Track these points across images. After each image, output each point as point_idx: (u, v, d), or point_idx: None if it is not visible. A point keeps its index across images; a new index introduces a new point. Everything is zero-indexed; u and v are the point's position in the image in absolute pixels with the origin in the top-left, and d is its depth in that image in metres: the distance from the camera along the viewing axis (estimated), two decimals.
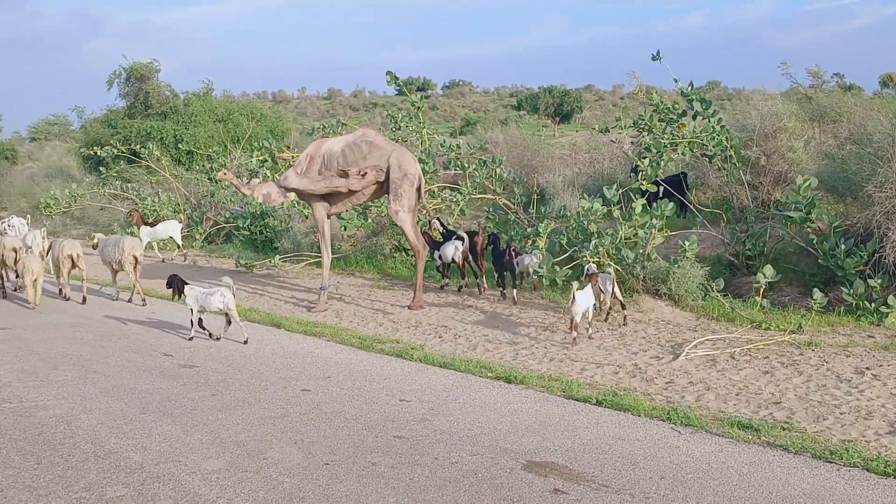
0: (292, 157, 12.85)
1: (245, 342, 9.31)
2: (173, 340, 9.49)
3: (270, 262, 14.79)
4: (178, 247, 17.78)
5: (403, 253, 14.63)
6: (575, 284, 9.07)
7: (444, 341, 9.44)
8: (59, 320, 10.77)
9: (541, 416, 6.49)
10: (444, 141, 16.27)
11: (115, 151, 23.04)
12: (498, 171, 14.47)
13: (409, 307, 11.31)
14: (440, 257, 12.36)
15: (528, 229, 12.48)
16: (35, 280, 11.69)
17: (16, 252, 12.82)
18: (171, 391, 7.32)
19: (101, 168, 26.06)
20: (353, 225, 13.92)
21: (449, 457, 5.56)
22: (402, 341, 9.40)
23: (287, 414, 6.59)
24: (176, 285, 9.67)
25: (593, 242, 10.05)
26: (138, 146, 23.63)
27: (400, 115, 17.19)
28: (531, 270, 11.15)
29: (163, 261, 17.42)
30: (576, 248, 10.70)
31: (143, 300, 12.30)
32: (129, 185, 23.25)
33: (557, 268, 9.99)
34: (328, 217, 11.96)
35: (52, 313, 11.30)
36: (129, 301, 12.42)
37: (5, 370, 8.15)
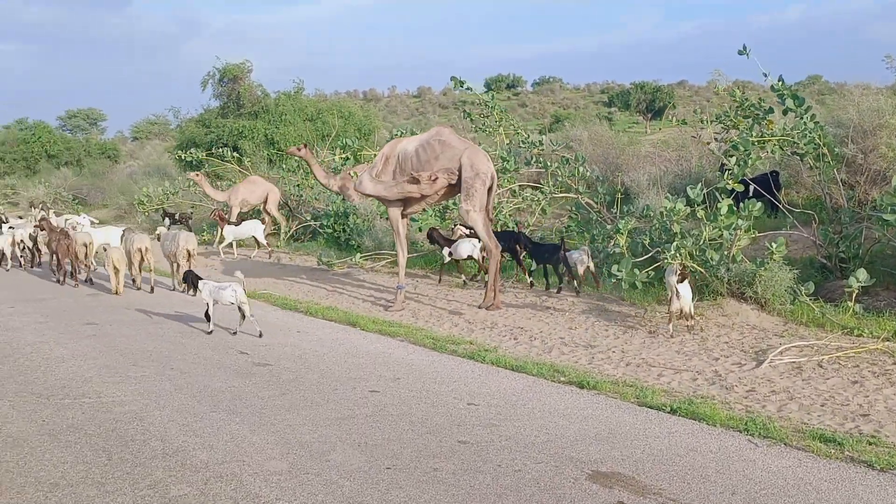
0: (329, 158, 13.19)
1: (259, 335, 9.71)
2: (250, 339, 9.64)
3: (351, 260, 14.92)
4: (259, 245, 18.19)
5: (483, 253, 14.53)
6: (673, 278, 8.96)
7: (519, 343, 9.33)
8: (144, 317, 11.08)
9: (611, 424, 6.32)
10: (527, 137, 16.09)
11: (200, 156, 23.93)
12: (581, 169, 14.24)
13: (479, 307, 11.29)
14: (450, 254, 12.99)
15: (609, 227, 12.24)
16: (116, 270, 12.94)
17: (86, 246, 14.26)
18: (242, 389, 7.42)
19: (186, 170, 26.87)
20: (427, 224, 13.90)
21: (512, 464, 5.46)
22: (476, 343, 9.33)
23: (353, 415, 6.59)
24: (190, 281, 10.43)
25: (675, 243, 9.76)
26: (229, 146, 24.26)
27: (463, 112, 17.15)
28: (580, 267, 11.71)
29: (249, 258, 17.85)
30: (658, 249, 10.43)
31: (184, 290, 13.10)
32: (220, 183, 23.90)
33: (637, 270, 9.74)
34: (403, 216, 12.00)
35: (138, 310, 11.63)
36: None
37: (89, 365, 8.42)
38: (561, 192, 14.72)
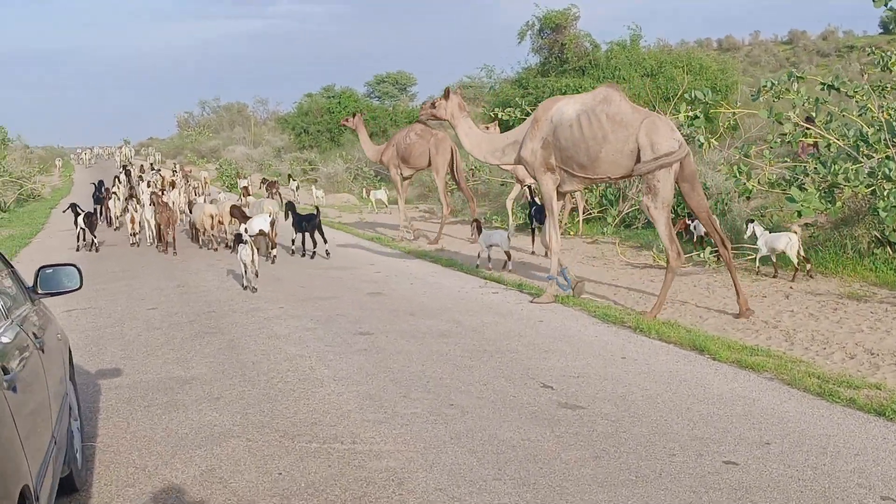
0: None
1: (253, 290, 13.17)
2: (559, 364, 8.52)
3: (698, 255, 13.35)
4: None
5: (888, 248, 12.39)
6: None
7: None
8: (429, 326, 10.39)
9: None
10: None
11: (520, 114, 22.94)
12: None
13: (643, 314, 10.68)
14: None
15: None
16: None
17: (212, 217, 18.37)
18: (540, 445, 6.29)
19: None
20: (811, 210, 11.93)
21: None
22: (886, 387, 7.48)
23: (700, 503, 5.21)
24: (235, 241, 13.98)
25: None
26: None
27: (873, 51, 14.55)
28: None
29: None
30: None
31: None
32: None
33: None
34: (567, 193, 11.95)
35: (423, 316, 11.00)
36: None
37: (350, 393, 7.76)
38: None
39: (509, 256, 14.75)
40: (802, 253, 12.50)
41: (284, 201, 21.03)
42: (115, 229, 24.00)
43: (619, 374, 8.16)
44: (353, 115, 20.27)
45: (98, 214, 26.48)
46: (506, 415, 7.02)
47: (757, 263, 13.09)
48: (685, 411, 6.99)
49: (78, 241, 19.73)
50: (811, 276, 12.51)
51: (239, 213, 16.82)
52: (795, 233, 12.46)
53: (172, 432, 6.91)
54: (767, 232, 12.88)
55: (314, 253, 16.96)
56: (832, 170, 12.11)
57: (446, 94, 12.75)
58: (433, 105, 12.89)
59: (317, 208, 17.44)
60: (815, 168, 12.57)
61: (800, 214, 12.23)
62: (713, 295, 11.93)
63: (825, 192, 12.26)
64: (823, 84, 13.11)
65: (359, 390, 7.83)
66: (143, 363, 9.14)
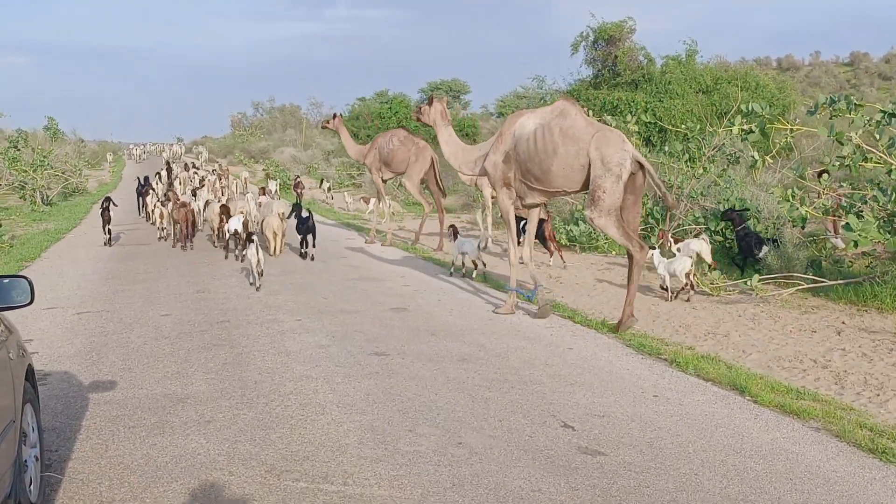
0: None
1: (257, 288, 13.71)
2: (584, 400, 7.80)
3: (745, 283, 12.54)
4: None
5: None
6: None
7: None
8: (449, 349, 9.71)
9: None
10: None
11: None
12: None
13: (617, 325, 10.66)
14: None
15: None
16: (275, 235, 17.55)
17: (220, 215, 18.53)
18: (551, 498, 5.59)
19: None
20: (868, 240, 11.10)
21: None
22: None
23: None
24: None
25: None
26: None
27: None
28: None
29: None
30: None
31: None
32: None
33: None
34: (527, 206, 11.99)
35: (445, 337, 10.34)
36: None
37: (352, 423, 7.12)
38: None
39: (475, 265, 15.19)
40: (693, 276, 12.84)
41: (293, 202, 21.00)
42: (151, 223, 23.81)
43: (649, 414, 7.42)
44: (333, 117, 21.68)
45: (139, 209, 27.16)
46: (518, 459, 6.33)
47: (668, 289, 13.10)
48: (719, 464, 6.25)
49: (105, 235, 19.59)
50: (688, 300, 12.83)
51: (224, 214, 18.03)
52: (690, 257, 12.86)
53: (152, 460, 6.33)
54: (665, 259, 13.10)
55: (305, 253, 17.52)
56: (892, 198, 11.28)
57: (430, 101, 13.23)
58: (419, 110, 13.39)
59: (309, 210, 17.69)
60: (875, 196, 11.74)
61: (856, 245, 11.41)
62: (759, 326, 11.12)
63: (884, 222, 11.41)
64: (883, 112, 12.20)
65: (361, 420, 7.19)
66: (140, 376, 8.60)
